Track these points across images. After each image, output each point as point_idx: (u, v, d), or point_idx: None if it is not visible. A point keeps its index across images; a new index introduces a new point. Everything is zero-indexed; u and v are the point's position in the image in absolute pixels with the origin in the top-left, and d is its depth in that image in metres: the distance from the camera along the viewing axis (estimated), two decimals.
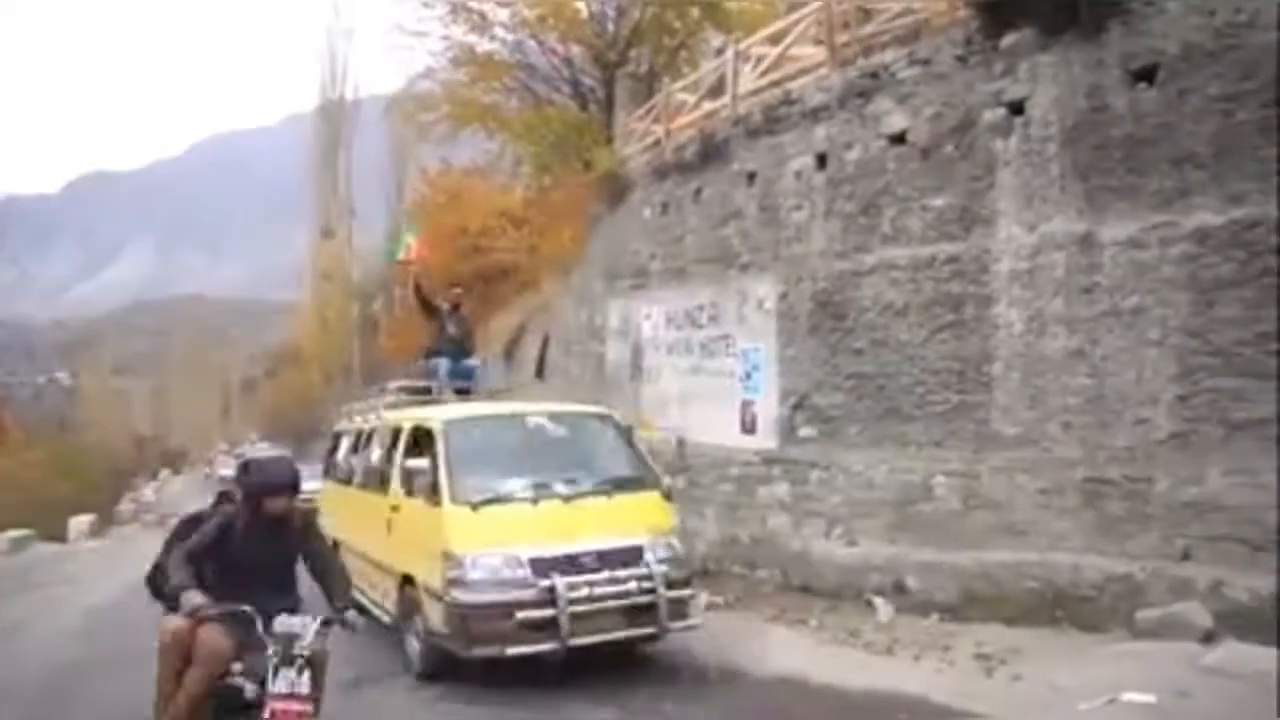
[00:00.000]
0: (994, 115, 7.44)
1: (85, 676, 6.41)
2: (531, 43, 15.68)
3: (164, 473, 42.82)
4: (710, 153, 10.51)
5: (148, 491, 29.15)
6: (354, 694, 5.33)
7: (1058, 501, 6.71)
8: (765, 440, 9.16)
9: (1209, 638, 5.09)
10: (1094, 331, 6.72)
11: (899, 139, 8.16)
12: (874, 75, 8.47)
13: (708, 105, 11.15)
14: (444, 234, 22.71)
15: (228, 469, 37.68)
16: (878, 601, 7.21)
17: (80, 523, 17.27)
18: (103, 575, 11.76)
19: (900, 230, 8.09)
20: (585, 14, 15.47)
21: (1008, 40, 7.37)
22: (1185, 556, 6.01)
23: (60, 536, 16.70)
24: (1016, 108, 7.30)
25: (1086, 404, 6.70)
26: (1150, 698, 4.31)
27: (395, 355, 28.83)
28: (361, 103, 38.34)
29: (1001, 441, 7.17)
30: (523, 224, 21.70)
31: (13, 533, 14.69)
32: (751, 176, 9.77)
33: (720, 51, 16.82)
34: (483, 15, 14.97)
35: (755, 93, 10.20)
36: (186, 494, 33.19)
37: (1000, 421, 7.21)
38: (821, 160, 8.90)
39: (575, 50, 15.94)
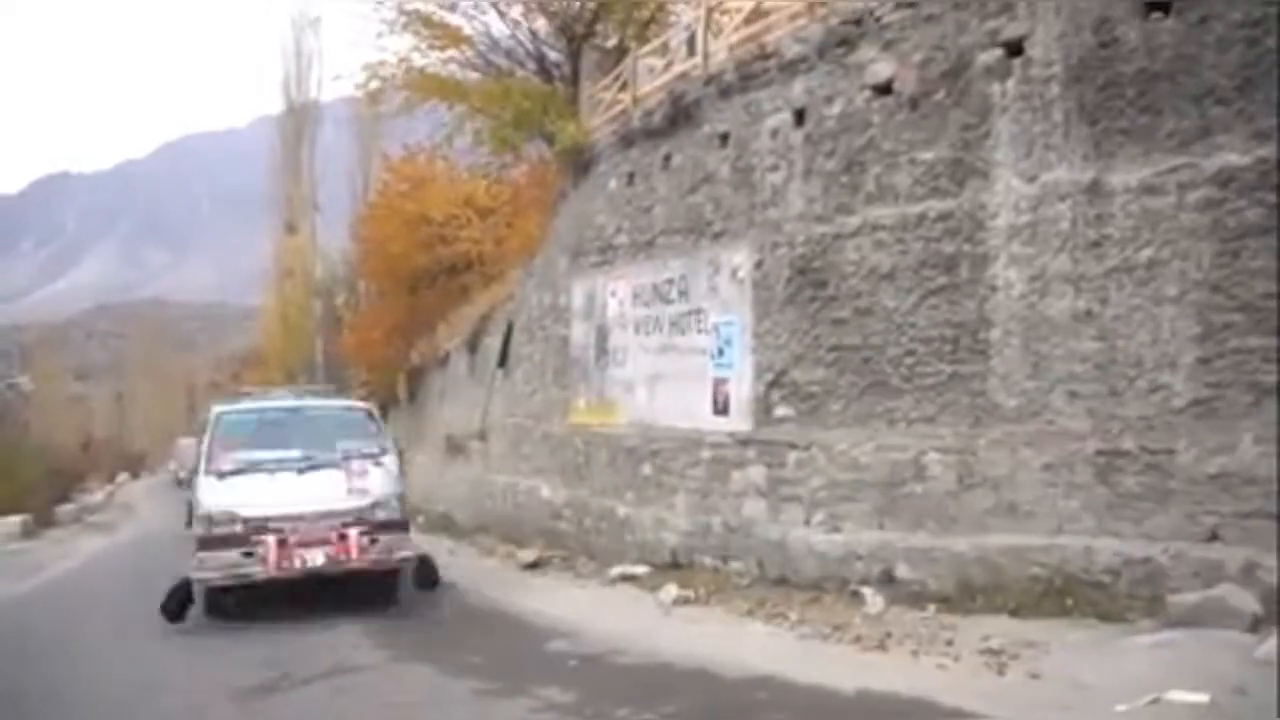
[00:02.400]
0: (989, 57, 6.76)
1: None
2: (493, 13, 14.84)
3: (121, 475, 41.35)
4: (680, 116, 9.76)
5: (98, 494, 27.86)
6: None
7: (1065, 478, 6.01)
8: (739, 421, 8.41)
9: (1257, 625, 4.38)
10: (1103, 290, 6.04)
11: (884, 89, 7.47)
12: (857, 22, 7.76)
13: (679, 67, 10.41)
14: (407, 223, 21.84)
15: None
16: (866, 592, 6.46)
17: (10, 524, 16.19)
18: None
19: (886, 188, 7.39)
20: None
21: None
22: (1213, 536, 5.33)
23: None
24: (1014, 48, 6.63)
25: (1096, 370, 6.02)
26: (1202, 696, 3.59)
27: (357, 351, 27.85)
28: (328, 105, 37.41)
29: (1001, 414, 6.47)
30: (489, 214, 20.88)
31: None
32: (724, 138, 9.04)
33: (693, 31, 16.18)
34: None
35: (732, 49, 9.47)
36: (143, 497, 31.91)
37: (999, 392, 6.51)
38: (800, 116, 8.18)
39: (540, 23, 15.13)
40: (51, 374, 61.02)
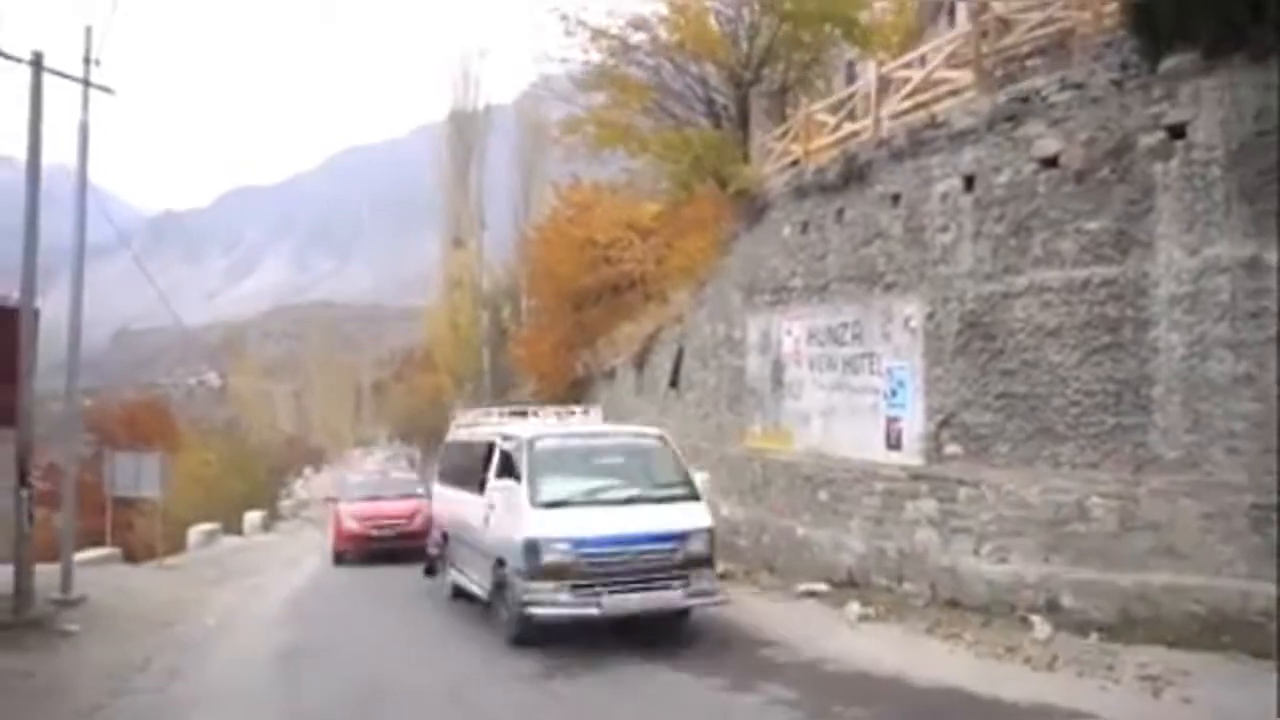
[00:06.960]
0: (1153, 139, 7.47)
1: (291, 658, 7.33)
2: (667, 64, 16.27)
3: (308, 470, 45.57)
4: (852, 174, 10.74)
5: (300, 489, 31.32)
6: None
7: (1222, 526, 6.72)
8: (911, 456, 9.36)
9: None
10: (1262, 356, 6.70)
11: (1051, 162, 8.23)
12: (1024, 99, 8.57)
13: (849, 126, 11.41)
14: (572, 245, 23.70)
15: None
16: (1035, 619, 7.35)
17: (253, 518, 18.97)
18: (286, 567, 13.02)
19: (1052, 253, 8.17)
20: (719, 34, 15.93)
21: (1167, 64, 7.38)
22: None
23: (237, 529, 18.40)
24: (1177, 131, 7.32)
25: (1255, 429, 6.69)
26: None
27: (527, 363, 30.05)
28: (490, 110, 40.05)
29: (1162, 465, 7.21)
30: (650, 235, 22.39)
31: (204, 526, 16.47)
32: (896, 198, 9.96)
33: (852, 65, 17.05)
34: (624, 41, 15.65)
35: (898, 115, 10.40)
36: (333, 490, 35.45)
37: (1160, 444, 7.24)
38: (969, 182, 9.02)
39: (709, 70, 16.42)
40: (242, 371, 67.29)
